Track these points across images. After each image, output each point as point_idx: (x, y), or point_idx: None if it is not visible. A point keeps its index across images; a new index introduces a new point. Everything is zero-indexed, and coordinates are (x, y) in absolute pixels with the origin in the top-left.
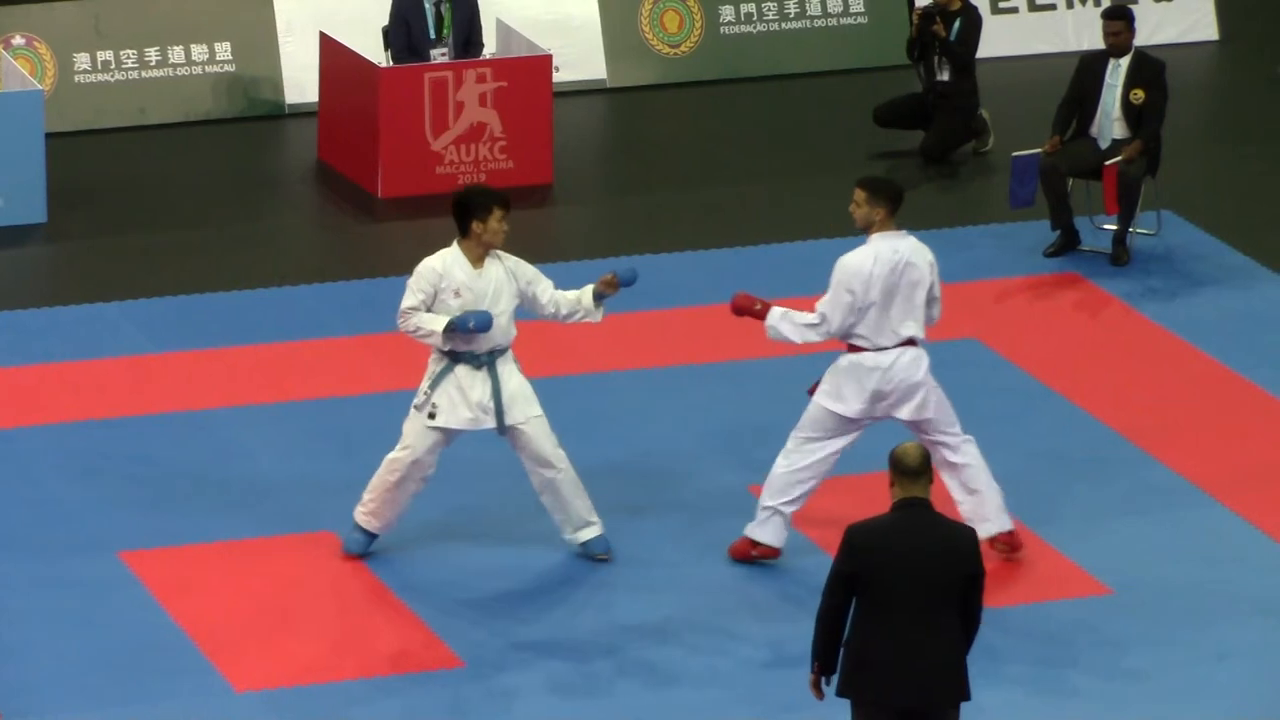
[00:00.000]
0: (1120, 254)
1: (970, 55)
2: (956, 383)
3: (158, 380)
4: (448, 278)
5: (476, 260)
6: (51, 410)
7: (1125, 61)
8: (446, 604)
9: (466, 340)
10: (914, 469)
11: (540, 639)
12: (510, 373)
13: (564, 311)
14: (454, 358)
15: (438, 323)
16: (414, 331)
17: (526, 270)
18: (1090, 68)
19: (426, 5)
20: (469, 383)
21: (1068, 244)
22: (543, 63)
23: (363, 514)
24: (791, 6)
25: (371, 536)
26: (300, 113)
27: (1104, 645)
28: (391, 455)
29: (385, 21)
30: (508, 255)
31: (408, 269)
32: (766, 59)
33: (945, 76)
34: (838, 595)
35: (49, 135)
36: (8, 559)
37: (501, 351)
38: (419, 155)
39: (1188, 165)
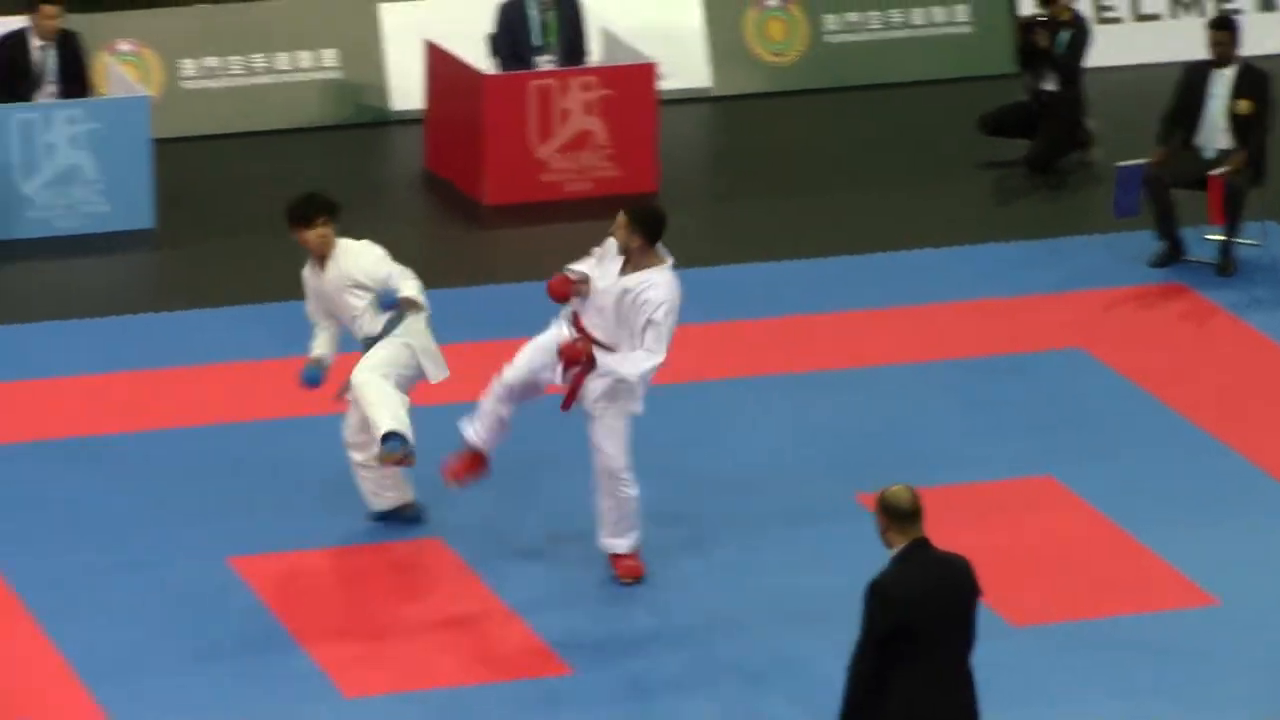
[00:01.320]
0: (1226, 264)
1: (1077, 66)
2: (1061, 392)
3: (265, 385)
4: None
5: (318, 262)
6: (159, 415)
7: (1230, 72)
8: (554, 610)
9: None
10: (913, 511)
11: (644, 645)
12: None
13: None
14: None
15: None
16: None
17: (364, 266)
18: (1194, 78)
19: (532, 12)
20: None
21: (1173, 254)
22: (647, 70)
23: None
24: (896, 15)
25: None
26: (406, 120)
27: (1209, 656)
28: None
29: (491, 29)
30: (354, 250)
31: (514, 276)
32: (871, 67)
33: (1051, 86)
34: (878, 656)
35: (156, 141)
36: (117, 564)
37: (373, 339)
38: (524, 163)
39: None
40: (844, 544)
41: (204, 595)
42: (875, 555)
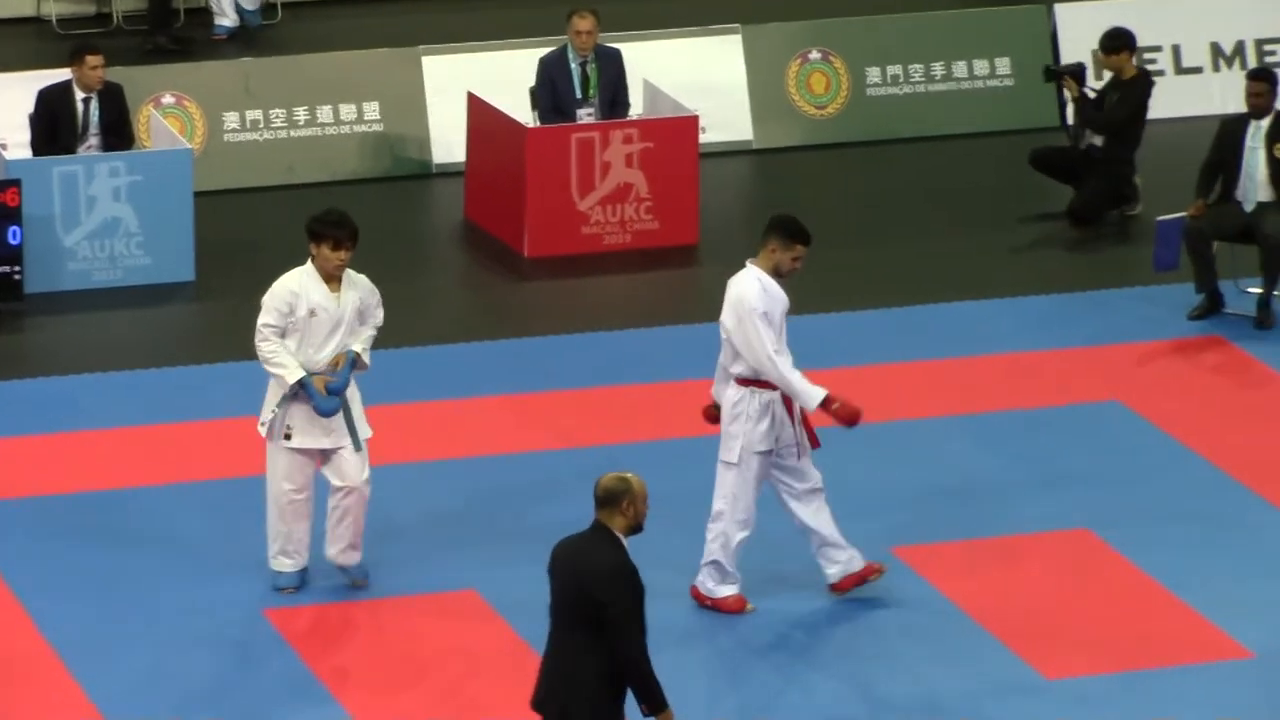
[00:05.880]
0: (1264, 317)
1: (1113, 124)
2: (1099, 445)
3: None
4: (304, 297)
5: (329, 281)
6: (199, 467)
7: (1266, 123)
8: None
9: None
10: (595, 497)
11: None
12: (353, 391)
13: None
14: (301, 385)
15: (290, 373)
16: (264, 361)
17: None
18: (1231, 131)
19: (573, 65)
20: None
21: (1211, 307)
22: (689, 123)
23: (273, 557)
24: (938, 68)
25: (298, 573)
26: (447, 172)
27: (1245, 710)
28: (269, 499)
29: (532, 82)
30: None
31: (555, 328)
32: (913, 120)
33: (1095, 141)
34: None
35: (197, 193)
36: (153, 615)
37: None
38: (565, 215)
39: None
40: (879, 596)
41: (240, 647)
42: (914, 608)
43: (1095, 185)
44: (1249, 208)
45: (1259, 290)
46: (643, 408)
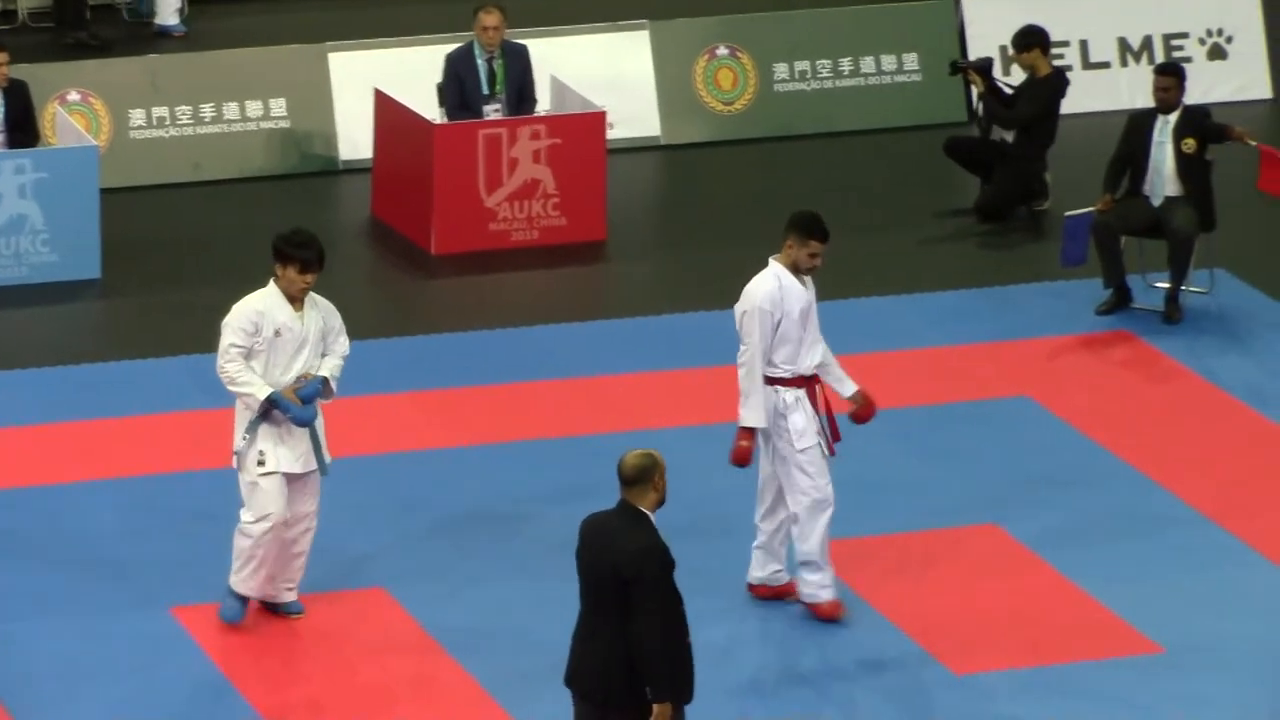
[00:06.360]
0: (1172, 312)
1: (1019, 120)
2: (1008, 440)
3: (212, 435)
4: (269, 317)
5: (293, 302)
6: (105, 465)
7: (1173, 118)
8: (500, 657)
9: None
10: (622, 477)
11: None
12: (318, 417)
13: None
14: (272, 402)
15: (259, 389)
16: (229, 382)
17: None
18: (1138, 125)
19: (479, 61)
20: (288, 426)
21: (1120, 302)
22: (596, 119)
23: (242, 579)
24: (845, 64)
25: (246, 601)
26: (354, 169)
27: (1154, 704)
28: (250, 528)
29: (439, 78)
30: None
31: (462, 325)
32: (820, 116)
33: (1009, 137)
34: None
35: (104, 190)
36: (60, 613)
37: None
38: (472, 211)
39: (1242, 223)
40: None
41: (147, 645)
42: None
43: (1004, 181)
44: (1157, 202)
45: (1167, 285)
46: (551, 404)
